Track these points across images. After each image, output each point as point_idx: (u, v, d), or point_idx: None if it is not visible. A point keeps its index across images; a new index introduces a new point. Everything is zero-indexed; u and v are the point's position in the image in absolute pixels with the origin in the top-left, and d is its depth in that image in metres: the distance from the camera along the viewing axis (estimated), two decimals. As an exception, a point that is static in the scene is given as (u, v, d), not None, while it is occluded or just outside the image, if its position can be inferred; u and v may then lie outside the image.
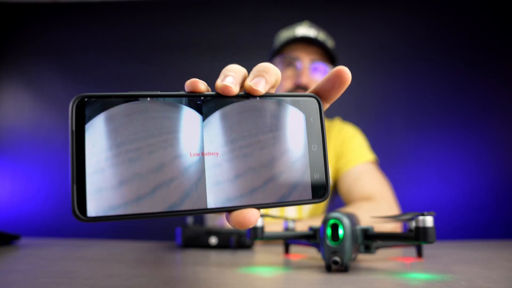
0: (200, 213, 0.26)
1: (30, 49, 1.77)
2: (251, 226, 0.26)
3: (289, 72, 0.92)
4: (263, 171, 0.27)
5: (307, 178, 0.28)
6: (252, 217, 0.26)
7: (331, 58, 0.94)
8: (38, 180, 1.66)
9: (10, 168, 1.69)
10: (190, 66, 1.60)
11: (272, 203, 0.27)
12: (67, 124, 1.71)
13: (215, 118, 0.27)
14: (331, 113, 1.14)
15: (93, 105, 0.25)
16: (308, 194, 0.28)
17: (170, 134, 0.26)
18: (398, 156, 1.54)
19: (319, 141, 0.29)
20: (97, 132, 0.24)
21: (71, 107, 0.24)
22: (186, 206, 0.25)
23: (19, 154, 1.69)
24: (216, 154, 0.26)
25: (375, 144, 1.35)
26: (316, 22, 0.95)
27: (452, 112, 1.56)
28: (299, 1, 1.68)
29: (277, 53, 0.94)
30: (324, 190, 0.29)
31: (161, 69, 1.66)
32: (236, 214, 0.26)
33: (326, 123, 1.01)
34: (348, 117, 1.16)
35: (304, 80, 0.89)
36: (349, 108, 1.55)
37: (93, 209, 0.24)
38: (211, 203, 0.26)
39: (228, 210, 0.27)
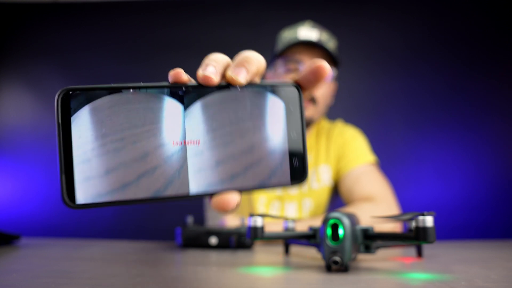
0: (183, 199, 0.27)
1: (30, 49, 1.77)
2: (231, 209, 0.27)
3: (292, 75, 0.91)
4: (243, 158, 0.28)
5: (286, 163, 0.30)
6: (232, 200, 0.27)
7: (334, 58, 0.93)
8: (38, 180, 1.66)
9: (11, 168, 1.69)
10: (190, 66, 1.60)
11: (252, 187, 0.29)
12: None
13: (196, 108, 0.28)
14: (333, 115, 1.14)
15: (78, 97, 0.25)
16: (287, 178, 0.30)
17: (152, 124, 0.27)
18: (397, 156, 1.54)
19: (298, 128, 0.30)
20: (82, 124, 0.25)
21: (56, 100, 0.25)
22: (169, 192, 0.27)
23: (20, 154, 1.70)
24: (197, 142, 0.28)
25: (375, 144, 1.35)
26: (316, 22, 0.95)
27: (451, 112, 1.57)
28: (299, 2, 1.68)
29: (279, 55, 0.94)
30: (302, 174, 0.30)
31: (161, 69, 1.66)
32: (216, 197, 0.27)
33: (328, 125, 1.01)
34: (347, 117, 1.16)
35: None
36: (348, 108, 1.55)
37: (81, 197, 0.25)
38: (193, 189, 0.27)
39: (210, 194, 0.28)
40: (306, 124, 0.89)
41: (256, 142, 0.29)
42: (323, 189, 0.94)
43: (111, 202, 0.26)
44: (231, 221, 0.78)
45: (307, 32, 0.89)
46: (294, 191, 0.94)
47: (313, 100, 0.90)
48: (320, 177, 0.94)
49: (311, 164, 0.96)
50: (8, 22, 1.78)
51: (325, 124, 1.02)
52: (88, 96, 0.26)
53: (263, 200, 0.94)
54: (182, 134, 0.27)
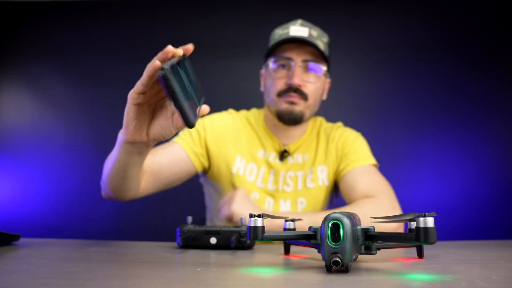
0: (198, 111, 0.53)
1: (31, 48, 1.77)
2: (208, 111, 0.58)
3: (282, 72, 0.91)
4: (199, 89, 0.57)
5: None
6: (207, 108, 0.58)
7: (324, 55, 0.93)
8: (38, 180, 1.66)
9: (11, 168, 1.69)
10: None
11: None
12: (68, 124, 1.72)
13: (180, 68, 0.51)
14: (333, 115, 1.14)
15: (170, 67, 0.45)
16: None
17: (183, 78, 0.50)
18: (397, 156, 1.54)
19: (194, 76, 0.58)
20: (175, 80, 0.45)
21: (165, 73, 0.44)
22: (201, 110, 0.56)
23: (19, 154, 1.69)
24: (189, 86, 0.51)
25: (375, 144, 1.34)
26: (316, 22, 0.95)
27: (451, 112, 1.56)
28: (299, 2, 1.68)
29: (271, 53, 0.94)
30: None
31: (161, 69, 1.66)
32: (202, 108, 0.56)
33: (329, 126, 1.03)
34: (347, 117, 1.16)
35: (296, 81, 0.88)
36: (348, 108, 1.55)
37: (194, 119, 0.47)
38: (198, 108, 0.54)
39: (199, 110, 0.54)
40: (298, 119, 0.92)
41: (195, 81, 0.57)
42: (319, 189, 0.95)
43: (199, 116, 0.52)
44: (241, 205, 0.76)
45: (297, 29, 0.90)
46: (289, 189, 0.95)
47: (303, 96, 0.90)
48: (316, 177, 0.95)
49: (309, 165, 0.96)
50: (7, 21, 1.78)
51: (326, 125, 1.03)
52: (171, 66, 0.45)
53: (256, 196, 0.93)
54: (187, 81, 0.51)
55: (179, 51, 0.51)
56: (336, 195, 1.02)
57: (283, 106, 0.90)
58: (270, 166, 0.95)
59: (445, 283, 0.35)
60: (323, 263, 0.47)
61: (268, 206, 0.93)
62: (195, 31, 1.71)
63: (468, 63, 1.58)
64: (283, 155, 0.95)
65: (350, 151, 0.95)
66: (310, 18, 0.98)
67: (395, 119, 1.57)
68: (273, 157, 0.96)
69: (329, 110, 1.03)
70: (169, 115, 0.55)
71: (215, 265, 0.47)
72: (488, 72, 1.57)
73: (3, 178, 1.68)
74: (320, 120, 1.04)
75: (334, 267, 0.39)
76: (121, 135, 0.60)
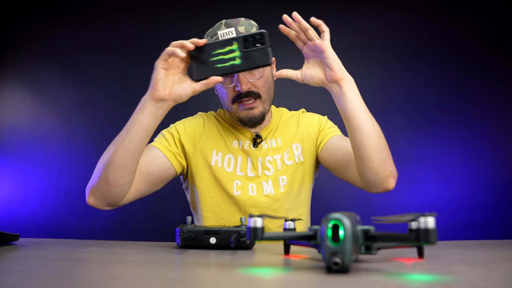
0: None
1: (30, 48, 1.76)
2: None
3: (227, 80, 0.90)
4: None
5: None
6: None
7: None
8: (37, 180, 1.66)
9: (10, 168, 1.69)
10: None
11: None
12: (67, 124, 1.72)
13: None
14: (333, 117, 1.13)
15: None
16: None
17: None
18: (398, 156, 1.53)
19: None
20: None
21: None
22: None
23: (18, 154, 1.69)
24: None
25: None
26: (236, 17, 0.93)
27: (452, 112, 1.56)
28: (299, 2, 1.68)
29: None
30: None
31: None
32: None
33: (292, 113, 1.08)
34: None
35: (244, 87, 0.89)
36: (349, 108, 1.55)
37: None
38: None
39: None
40: (260, 120, 0.94)
41: None
42: (297, 165, 0.98)
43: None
44: None
45: (223, 32, 0.90)
46: (270, 173, 0.96)
47: (256, 95, 0.91)
48: (293, 154, 0.99)
49: (285, 147, 0.99)
50: (7, 21, 1.78)
51: (290, 112, 1.08)
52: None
53: (239, 184, 0.95)
54: None
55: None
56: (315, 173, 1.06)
57: (243, 113, 0.93)
58: (246, 153, 0.97)
59: (446, 283, 0.35)
60: (323, 263, 0.46)
61: (251, 190, 0.95)
62: (195, 31, 1.70)
63: (468, 63, 1.58)
64: (256, 140, 0.98)
65: (326, 126, 1.02)
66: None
67: (396, 119, 1.57)
68: (248, 145, 0.98)
69: (330, 110, 1.02)
70: (189, 82, 0.75)
71: (215, 265, 0.47)
72: (488, 72, 1.57)
73: (2, 178, 1.68)
74: (283, 109, 1.08)
75: (334, 267, 0.39)
76: (146, 97, 0.75)
